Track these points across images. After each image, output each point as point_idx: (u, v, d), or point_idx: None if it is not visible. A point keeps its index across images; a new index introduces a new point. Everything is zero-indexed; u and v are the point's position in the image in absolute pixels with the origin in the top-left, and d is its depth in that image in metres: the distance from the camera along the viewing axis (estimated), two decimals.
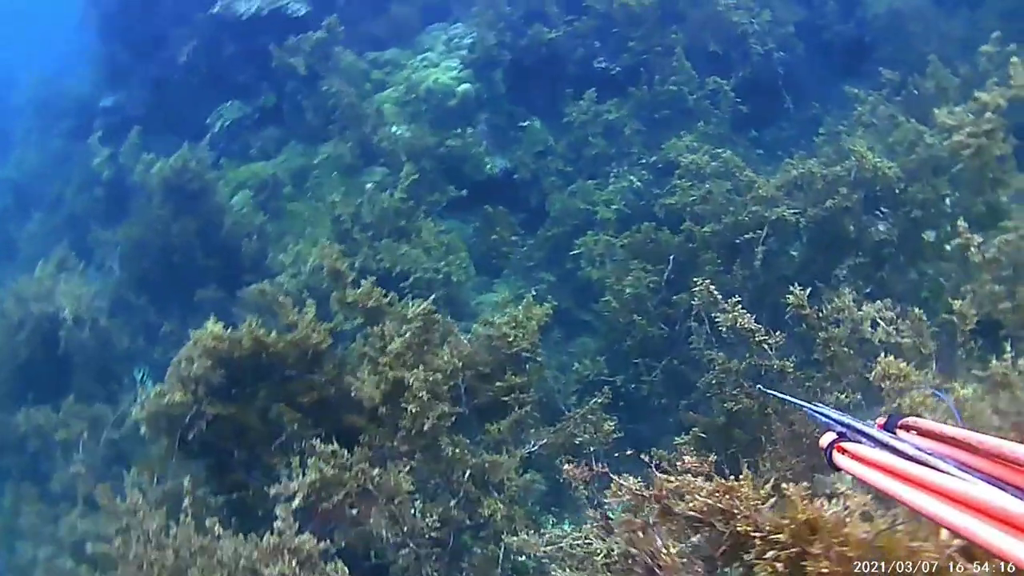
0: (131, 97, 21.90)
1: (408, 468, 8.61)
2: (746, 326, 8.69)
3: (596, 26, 19.03)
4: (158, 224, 16.40)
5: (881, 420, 2.14)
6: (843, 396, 8.47)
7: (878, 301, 9.20)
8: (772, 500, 4.25)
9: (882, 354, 8.32)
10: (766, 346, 8.72)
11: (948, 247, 11.10)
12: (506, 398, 9.86)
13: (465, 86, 18.21)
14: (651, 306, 12.84)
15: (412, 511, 8.54)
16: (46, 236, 21.06)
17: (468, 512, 8.83)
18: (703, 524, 4.45)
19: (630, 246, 13.43)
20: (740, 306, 8.75)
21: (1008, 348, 7.18)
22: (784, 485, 4.09)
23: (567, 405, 12.81)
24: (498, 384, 9.99)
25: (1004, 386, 7.09)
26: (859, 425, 2.15)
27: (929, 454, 1.86)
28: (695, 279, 12.12)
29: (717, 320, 9.00)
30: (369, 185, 16.71)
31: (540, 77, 19.16)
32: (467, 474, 8.93)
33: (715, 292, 8.99)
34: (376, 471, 8.34)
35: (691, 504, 4.40)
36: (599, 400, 10.56)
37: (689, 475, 4.67)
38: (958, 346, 8.20)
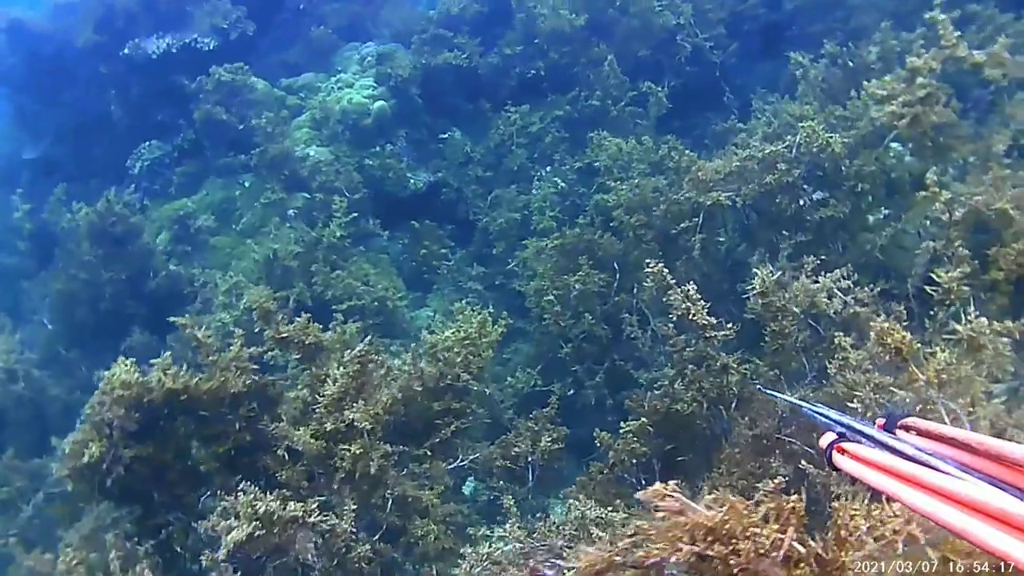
0: (52, 147, 20.62)
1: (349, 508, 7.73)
2: (699, 320, 7.80)
3: (518, 39, 18.19)
4: (85, 272, 15.22)
5: (881, 420, 2.06)
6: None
7: (837, 271, 8.47)
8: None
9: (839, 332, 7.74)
10: (715, 340, 7.87)
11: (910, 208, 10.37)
12: (439, 421, 9.08)
13: (380, 103, 17.26)
14: (597, 305, 11.92)
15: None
16: None
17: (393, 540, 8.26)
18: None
19: (563, 248, 12.47)
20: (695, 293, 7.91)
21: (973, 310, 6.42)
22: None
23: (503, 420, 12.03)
24: (435, 406, 9.12)
25: (978, 348, 6.34)
26: (859, 425, 2.07)
27: (929, 454, 1.79)
28: (641, 272, 11.55)
29: (670, 307, 8.05)
30: (291, 212, 15.64)
31: (459, 88, 18.29)
32: (390, 502, 8.22)
33: (667, 275, 8.00)
34: (313, 518, 7.40)
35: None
36: (545, 411, 9.70)
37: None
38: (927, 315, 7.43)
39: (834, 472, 2.28)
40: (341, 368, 8.03)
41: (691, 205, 11.21)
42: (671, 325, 8.41)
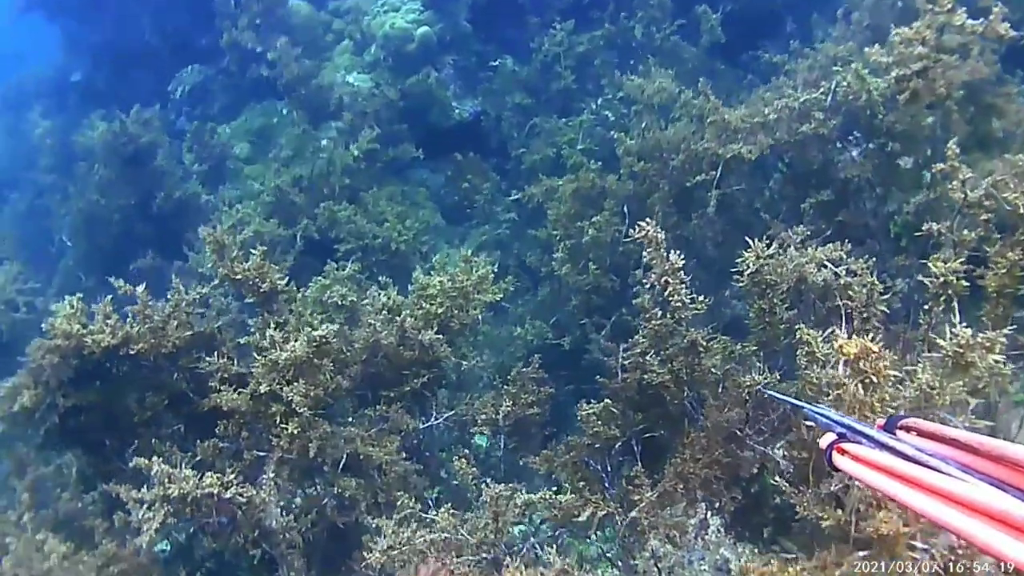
0: (96, 71, 20.25)
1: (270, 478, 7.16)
2: (676, 300, 6.85)
3: None
4: (98, 193, 14.86)
5: (881, 421, 2.01)
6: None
7: (829, 244, 7.40)
8: None
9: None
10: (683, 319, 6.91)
11: (927, 175, 9.15)
12: (408, 372, 8.50)
13: (424, 29, 16.20)
14: (606, 256, 10.94)
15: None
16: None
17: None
18: None
19: (577, 192, 11.43)
20: (682, 270, 6.91)
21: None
22: None
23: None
24: (407, 356, 8.48)
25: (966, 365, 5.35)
26: (859, 426, 2.01)
27: (930, 455, 1.75)
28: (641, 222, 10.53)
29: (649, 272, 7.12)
30: (324, 142, 14.91)
31: (511, 11, 17.03)
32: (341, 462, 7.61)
33: (660, 238, 6.96)
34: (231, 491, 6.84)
35: None
36: (529, 370, 8.91)
37: None
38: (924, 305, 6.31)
39: (835, 472, 2.16)
40: (293, 345, 7.29)
41: (710, 156, 10.03)
42: (647, 296, 7.42)
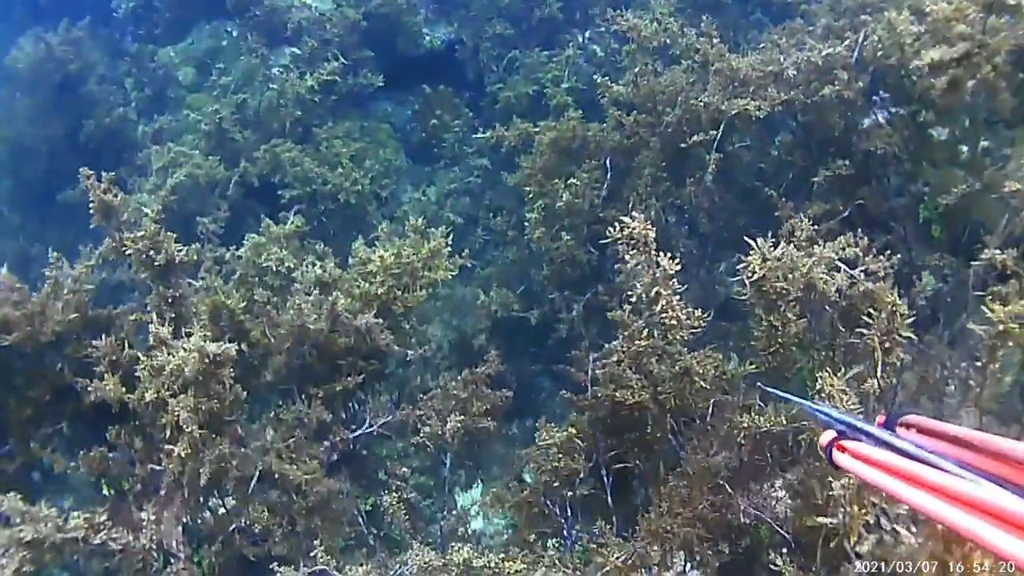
0: None
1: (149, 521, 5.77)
2: (669, 317, 5.44)
3: None
4: (29, 123, 13.16)
5: (881, 418, 1.94)
6: None
7: (840, 238, 6.07)
8: None
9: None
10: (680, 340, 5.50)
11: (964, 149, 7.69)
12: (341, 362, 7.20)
13: None
14: (584, 223, 9.41)
15: None
16: None
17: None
18: None
19: (556, 143, 9.82)
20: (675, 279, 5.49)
21: None
22: None
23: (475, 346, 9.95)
24: (340, 342, 7.09)
25: None
26: (859, 423, 1.93)
27: (930, 452, 1.68)
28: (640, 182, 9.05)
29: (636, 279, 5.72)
30: (276, 70, 13.14)
31: None
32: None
33: (649, 237, 5.45)
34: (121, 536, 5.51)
35: None
36: (480, 370, 7.52)
37: None
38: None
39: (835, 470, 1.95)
40: (182, 354, 5.79)
41: (711, 113, 8.47)
42: (627, 306, 5.93)
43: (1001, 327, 4.50)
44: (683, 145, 8.63)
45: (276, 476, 6.31)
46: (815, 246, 5.88)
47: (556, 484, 5.97)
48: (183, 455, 5.64)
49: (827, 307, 5.82)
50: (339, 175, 11.28)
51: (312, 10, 13.71)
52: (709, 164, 8.49)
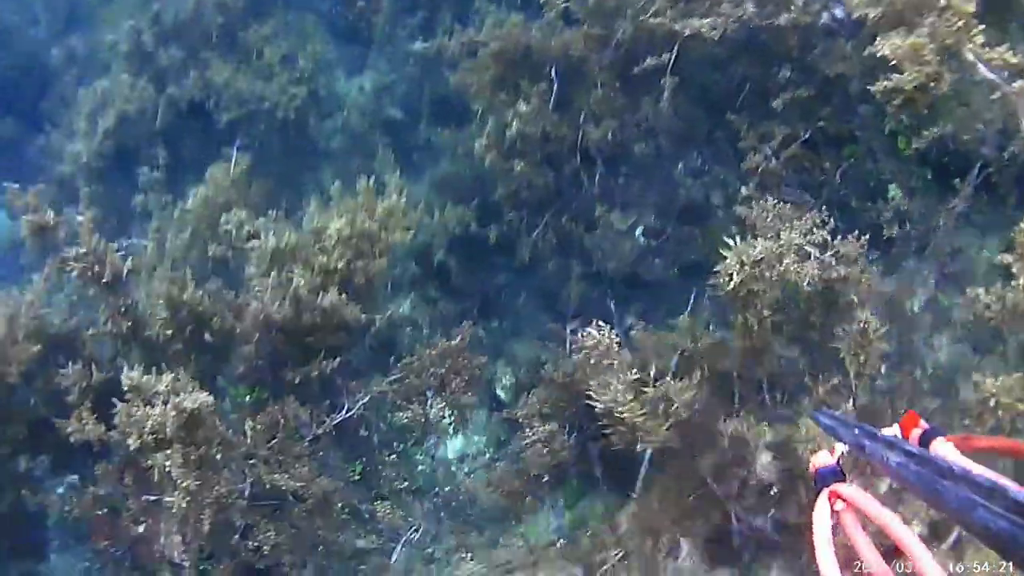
0: None
1: None
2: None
3: None
4: None
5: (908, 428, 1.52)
6: None
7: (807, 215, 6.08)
8: None
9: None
10: None
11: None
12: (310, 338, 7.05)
13: None
14: (538, 147, 9.07)
15: None
16: None
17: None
18: None
19: (501, 53, 9.27)
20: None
21: None
22: None
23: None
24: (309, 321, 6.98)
25: None
26: (881, 434, 1.41)
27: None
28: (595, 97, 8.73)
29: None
30: None
31: None
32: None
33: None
34: None
35: None
36: (455, 341, 7.50)
37: None
38: None
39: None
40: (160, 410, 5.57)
41: (663, 34, 8.05)
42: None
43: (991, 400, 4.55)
44: (636, 70, 8.25)
45: (268, 487, 6.34)
46: (782, 231, 5.87)
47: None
48: (183, 504, 5.62)
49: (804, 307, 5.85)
50: (276, 90, 10.56)
51: None
52: (664, 89, 8.17)
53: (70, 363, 6.18)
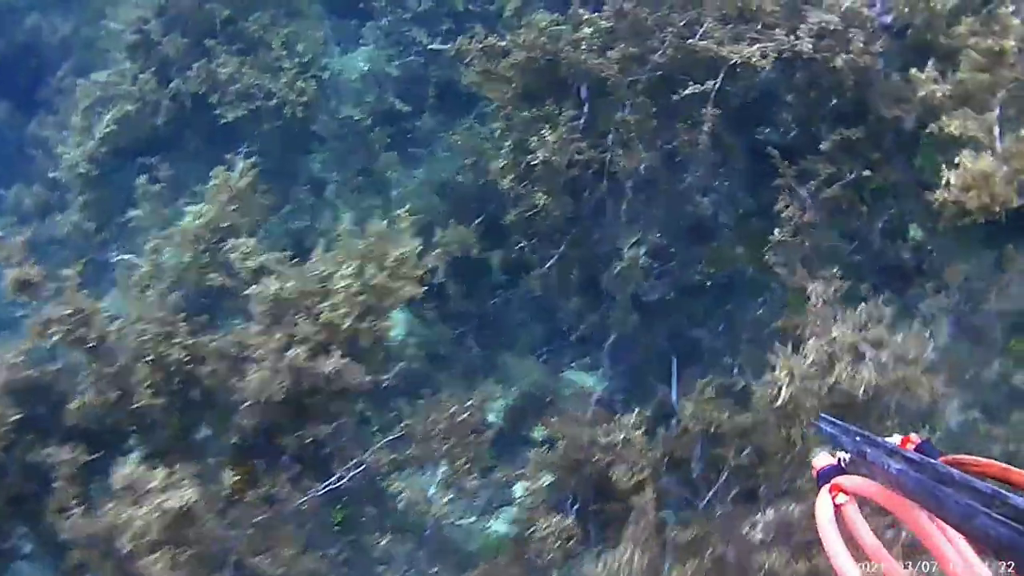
0: None
1: None
2: None
3: None
4: None
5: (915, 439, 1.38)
6: None
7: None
8: None
9: None
10: None
11: None
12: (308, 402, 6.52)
13: None
14: (560, 178, 8.28)
15: None
16: None
17: None
18: None
19: (525, 65, 8.37)
20: None
21: None
22: None
23: None
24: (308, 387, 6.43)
25: None
26: (881, 441, 1.35)
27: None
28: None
29: None
30: None
31: None
32: None
33: None
34: None
35: None
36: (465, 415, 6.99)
37: None
38: None
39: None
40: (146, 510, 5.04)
41: (708, 58, 7.26)
42: None
43: None
44: (675, 97, 7.46)
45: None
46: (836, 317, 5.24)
47: None
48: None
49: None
50: (282, 84, 9.75)
51: None
52: (705, 120, 7.41)
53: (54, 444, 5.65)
